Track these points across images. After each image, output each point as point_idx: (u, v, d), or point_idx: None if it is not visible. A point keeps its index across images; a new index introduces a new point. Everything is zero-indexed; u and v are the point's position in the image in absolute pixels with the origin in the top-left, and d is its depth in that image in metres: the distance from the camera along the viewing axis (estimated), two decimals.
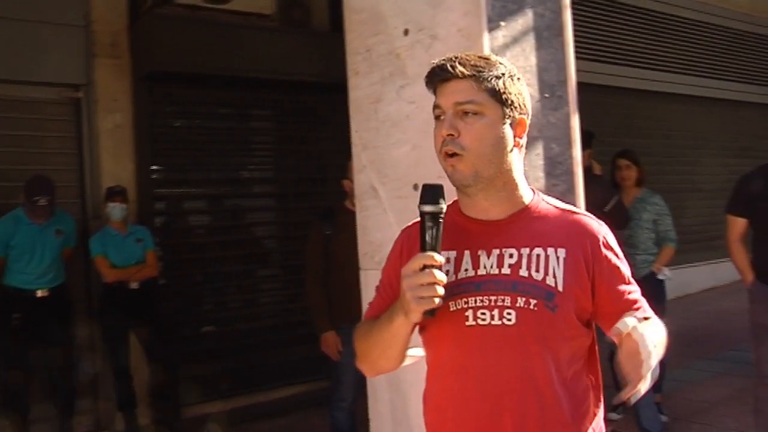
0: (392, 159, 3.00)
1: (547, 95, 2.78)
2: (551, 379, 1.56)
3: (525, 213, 1.66)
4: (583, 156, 4.60)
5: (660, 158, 9.66)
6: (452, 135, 1.58)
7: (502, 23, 2.67)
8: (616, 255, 1.67)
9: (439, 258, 1.52)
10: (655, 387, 4.79)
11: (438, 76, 1.61)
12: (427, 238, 1.54)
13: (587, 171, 4.56)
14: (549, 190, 2.72)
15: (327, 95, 7.15)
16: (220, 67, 6.30)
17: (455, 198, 1.71)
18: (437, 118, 1.63)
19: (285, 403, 6.43)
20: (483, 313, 1.58)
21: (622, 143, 6.96)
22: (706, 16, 10.62)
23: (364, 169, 3.15)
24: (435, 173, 2.78)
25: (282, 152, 7.07)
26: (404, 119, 2.93)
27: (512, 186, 1.65)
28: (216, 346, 6.46)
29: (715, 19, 10.76)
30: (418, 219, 1.67)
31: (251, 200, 7.03)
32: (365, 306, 3.19)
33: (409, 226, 1.76)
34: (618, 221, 4.52)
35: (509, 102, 1.60)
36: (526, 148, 2.77)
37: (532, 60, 2.75)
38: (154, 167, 6.34)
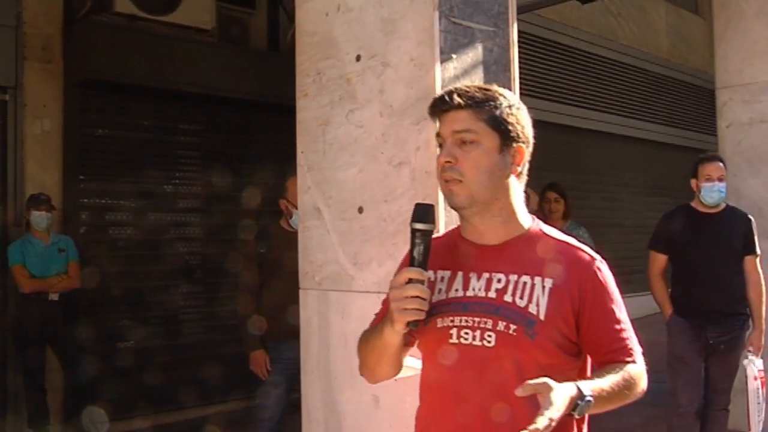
0: (338, 181, 3.03)
1: None
2: (524, 406, 1.57)
3: (519, 240, 1.72)
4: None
5: (582, 192, 9.98)
6: (450, 162, 1.65)
7: (454, 55, 2.74)
8: (607, 290, 1.69)
9: (425, 273, 1.60)
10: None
11: (439, 107, 1.69)
12: (415, 254, 1.63)
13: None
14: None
15: (261, 114, 7.16)
16: (156, 78, 6.23)
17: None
18: (439, 146, 1.71)
19: (204, 422, 6.32)
20: (466, 333, 1.65)
21: (548, 177, 7.18)
22: (628, 58, 11.08)
23: (309, 190, 3.16)
24: (380, 197, 2.87)
25: (212, 168, 7.00)
26: (352, 143, 2.96)
27: (508, 212, 1.71)
28: (134, 363, 6.30)
29: (636, 62, 11.24)
30: (438, 234, 1.79)
31: (178, 215, 6.92)
32: (303, 326, 3.22)
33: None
34: None
35: (506, 131, 1.67)
36: None
37: None
38: (82, 176, 6.17)
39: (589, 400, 1.51)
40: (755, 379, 4.26)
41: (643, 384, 1.68)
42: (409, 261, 1.63)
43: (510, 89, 2.96)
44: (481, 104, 1.66)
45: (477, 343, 1.63)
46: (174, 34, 6.47)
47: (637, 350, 1.69)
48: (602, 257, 1.75)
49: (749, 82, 5.82)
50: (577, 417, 1.53)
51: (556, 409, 1.45)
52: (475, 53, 2.83)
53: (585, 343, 1.67)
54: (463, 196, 1.65)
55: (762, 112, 5.74)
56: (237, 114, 7.07)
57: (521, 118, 1.71)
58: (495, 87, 1.74)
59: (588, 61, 10.37)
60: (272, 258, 4.37)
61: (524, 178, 1.75)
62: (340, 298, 3.01)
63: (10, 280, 5.56)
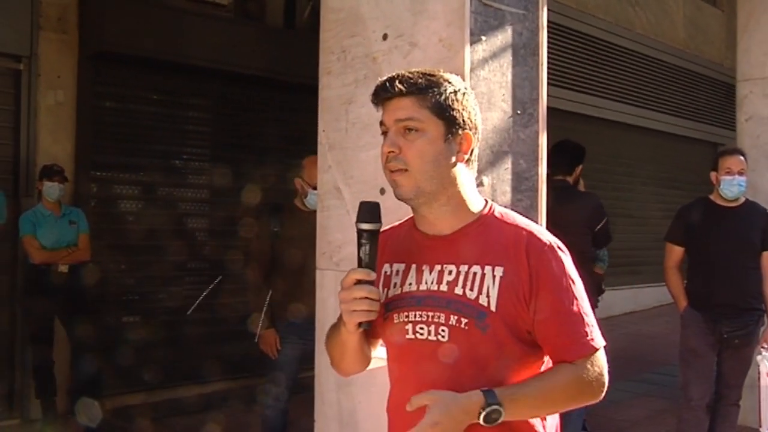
0: (359, 161, 3.00)
1: (519, 112, 2.83)
2: None
3: (471, 228, 1.66)
4: (576, 172, 4.69)
5: (592, 182, 9.92)
6: (394, 152, 1.60)
7: (483, 37, 2.70)
8: (560, 278, 1.59)
9: (372, 274, 1.58)
10: None
11: (381, 94, 1.63)
12: (362, 254, 1.61)
13: (575, 186, 4.64)
14: (514, 205, 2.77)
15: (275, 91, 7.12)
16: (171, 52, 6.18)
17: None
18: (383, 134, 1.65)
19: (210, 399, 6.33)
20: (421, 328, 1.63)
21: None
22: (644, 47, 10.99)
23: (330, 169, 3.12)
24: None
25: (224, 144, 6.96)
26: (375, 123, 2.87)
27: (457, 200, 1.65)
28: (142, 337, 6.29)
29: (652, 52, 11.14)
30: (396, 222, 1.75)
31: (188, 191, 6.89)
32: (319, 307, 3.20)
33: (385, 230, 1.75)
34: (603, 241, 4.64)
35: (452, 118, 1.61)
36: (497, 162, 2.85)
37: (508, 76, 2.80)
38: (93, 149, 6.14)
39: (495, 409, 1.48)
40: None
41: (596, 385, 1.59)
42: (357, 262, 1.61)
43: (538, 74, 2.93)
44: (425, 91, 1.59)
45: (432, 338, 1.61)
46: (190, 8, 6.42)
47: (593, 345, 1.59)
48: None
49: None
50: (485, 425, 1.49)
51: (433, 423, 1.47)
52: (504, 36, 2.79)
53: (536, 334, 1.59)
54: (408, 187, 1.60)
55: None
56: (250, 90, 7.02)
57: (468, 104, 1.64)
58: (440, 72, 1.66)
59: (603, 49, 10.29)
60: (285, 236, 4.34)
61: (474, 164, 1.69)
62: None
63: (21, 250, 5.54)
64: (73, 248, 5.50)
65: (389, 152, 1.61)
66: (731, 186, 4.26)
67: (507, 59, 2.78)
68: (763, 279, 4.34)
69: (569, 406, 1.62)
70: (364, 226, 1.60)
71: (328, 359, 3.09)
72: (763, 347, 4.32)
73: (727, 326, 4.27)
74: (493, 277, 1.58)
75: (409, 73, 1.63)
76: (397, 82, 1.60)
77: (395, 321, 1.66)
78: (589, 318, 1.61)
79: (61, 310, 5.50)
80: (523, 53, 2.85)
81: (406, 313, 1.65)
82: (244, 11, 6.97)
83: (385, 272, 1.71)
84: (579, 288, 1.62)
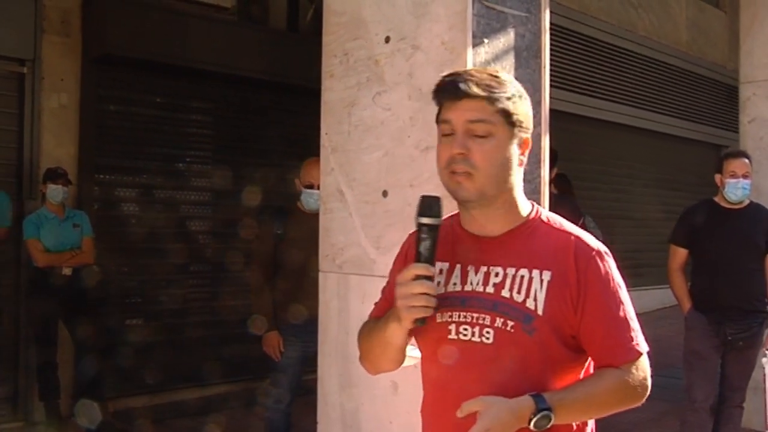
0: (362, 164, 3.00)
1: None
2: None
3: (519, 231, 1.65)
4: (551, 175, 4.68)
5: (593, 183, 9.92)
6: (463, 154, 1.57)
7: (486, 40, 2.70)
8: (607, 283, 1.61)
9: (432, 269, 1.56)
10: None
11: (449, 93, 1.59)
12: (422, 249, 1.57)
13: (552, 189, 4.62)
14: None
15: (279, 94, 7.13)
16: (174, 56, 6.18)
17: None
18: (445, 134, 1.61)
19: (212, 402, 6.33)
20: (465, 329, 1.60)
21: (560, 166, 7.12)
22: (646, 49, 10.97)
23: (332, 172, 3.13)
24: (406, 181, 2.84)
25: (226, 147, 6.96)
26: (378, 125, 2.93)
27: (510, 203, 1.65)
28: (144, 340, 6.30)
29: (654, 54, 11.12)
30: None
31: (191, 193, 6.88)
32: (322, 309, 3.20)
33: (413, 232, 1.74)
34: None
35: (518, 122, 1.60)
36: None
37: None
38: (97, 152, 6.15)
39: (546, 415, 1.48)
40: None
41: (640, 389, 1.59)
42: (416, 256, 1.57)
43: (540, 76, 2.94)
44: (497, 94, 1.57)
45: (476, 339, 1.59)
46: (193, 12, 6.43)
47: (638, 350, 1.60)
48: (608, 248, 1.68)
49: None
50: (534, 430, 1.49)
51: (483, 429, 1.46)
52: (507, 38, 2.80)
53: (582, 339, 1.59)
54: (472, 190, 1.57)
55: None
56: (253, 94, 7.03)
57: (527, 108, 1.65)
58: (502, 74, 1.66)
59: (606, 51, 10.27)
60: (287, 239, 4.35)
61: (524, 167, 1.68)
62: (361, 282, 2.99)
63: (24, 253, 5.55)
64: (76, 251, 5.51)
65: (458, 154, 1.57)
66: (736, 189, 4.26)
67: (509, 62, 2.79)
68: None
69: (614, 410, 1.61)
70: (425, 221, 1.56)
71: (330, 361, 3.12)
72: (767, 349, 4.33)
73: (731, 328, 4.26)
74: (541, 281, 1.58)
75: (477, 73, 1.61)
76: (471, 83, 1.56)
77: (437, 320, 1.62)
78: (634, 323, 1.62)
79: (65, 313, 5.50)
80: (525, 56, 2.86)
81: (449, 313, 1.62)
82: (247, 14, 6.97)
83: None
84: (624, 293, 1.63)
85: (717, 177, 4.35)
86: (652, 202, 11.25)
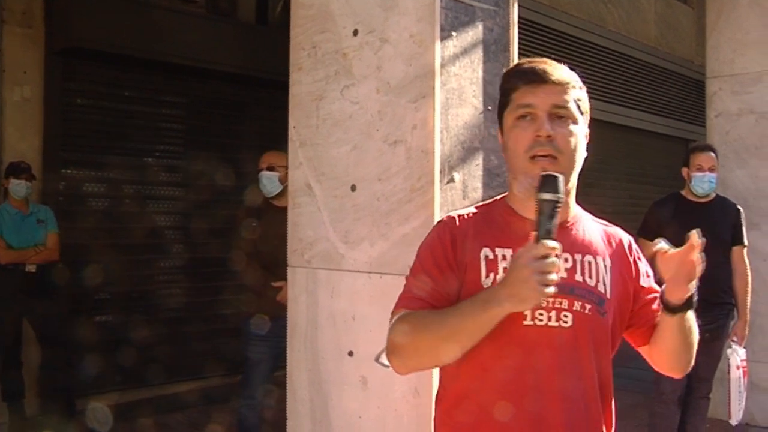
0: (331, 158, 2.98)
1: (490, 108, 2.82)
2: (594, 383, 1.63)
3: (573, 221, 1.71)
4: None
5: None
6: (551, 136, 1.57)
7: (454, 33, 2.69)
8: (647, 265, 1.78)
9: (559, 247, 1.46)
10: None
11: (534, 77, 1.61)
12: (549, 225, 1.47)
13: None
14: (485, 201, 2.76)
15: (248, 88, 7.07)
16: (140, 48, 6.09)
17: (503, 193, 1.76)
18: (522, 117, 1.61)
19: (184, 398, 6.27)
20: (541, 314, 1.58)
21: None
22: (615, 44, 11.04)
23: (300, 166, 3.10)
24: (374, 175, 2.82)
25: (196, 141, 6.89)
26: (347, 119, 2.91)
27: (572, 194, 1.69)
28: (113, 337, 6.22)
29: (624, 49, 11.20)
30: (461, 209, 1.73)
31: (160, 188, 6.81)
32: (291, 304, 3.17)
33: (452, 216, 1.71)
34: None
35: (586, 113, 1.68)
36: (468, 157, 2.85)
37: (479, 72, 2.79)
38: (62, 146, 6.04)
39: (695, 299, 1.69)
40: (738, 368, 4.29)
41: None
42: (538, 235, 1.46)
43: None
44: (575, 83, 1.65)
45: (553, 323, 1.58)
46: (160, 3, 6.34)
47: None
48: None
49: (740, 73, 5.82)
50: (689, 310, 1.69)
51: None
52: (475, 32, 2.78)
53: (638, 318, 1.73)
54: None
55: (751, 104, 5.75)
56: (223, 87, 6.96)
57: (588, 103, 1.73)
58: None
59: (575, 46, 10.32)
60: (261, 233, 4.32)
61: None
62: (330, 277, 2.97)
63: None
64: (41, 247, 5.41)
65: (546, 136, 1.57)
66: (702, 182, 4.30)
67: (478, 55, 2.78)
68: (733, 274, 4.39)
69: (692, 345, 1.86)
70: (547, 196, 1.47)
71: (299, 356, 3.10)
72: (733, 340, 4.38)
73: (698, 320, 4.29)
74: (605, 266, 1.67)
75: (556, 64, 1.67)
76: (557, 70, 1.63)
77: None
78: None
79: (30, 311, 5.41)
80: (494, 49, 2.85)
81: None
82: (215, 7, 6.89)
83: (487, 256, 1.61)
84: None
85: (684, 170, 4.39)
86: (623, 195, 11.35)
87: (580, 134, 1.64)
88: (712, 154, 4.35)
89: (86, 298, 6.26)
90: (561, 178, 1.50)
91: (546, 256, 1.43)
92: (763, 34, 5.72)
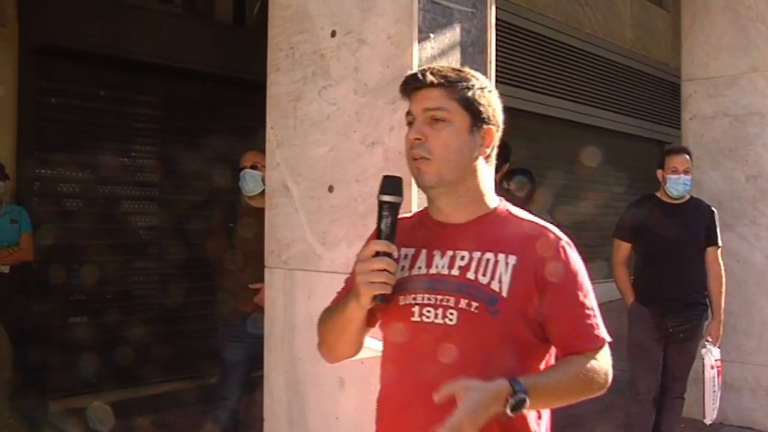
0: (308, 159, 2.97)
1: None
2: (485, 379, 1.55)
3: (485, 219, 1.70)
4: (503, 170, 4.69)
5: (540, 179, 10.00)
6: (420, 140, 1.63)
7: (431, 35, 2.69)
8: (572, 272, 1.64)
9: (392, 246, 1.58)
10: None
11: (411, 84, 1.67)
12: (382, 226, 1.60)
13: (500, 185, 4.62)
14: None
15: (225, 88, 7.03)
16: (116, 47, 6.05)
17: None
18: (409, 124, 1.68)
19: (159, 400, 6.22)
20: (428, 311, 1.62)
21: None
22: (592, 47, 11.14)
23: (278, 167, 3.09)
24: (351, 176, 2.81)
25: (171, 141, 6.84)
26: (324, 120, 2.90)
27: (475, 192, 1.69)
28: (88, 338, 6.15)
29: (600, 51, 11.30)
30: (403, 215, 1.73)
31: (134, 188, 6.74)
32: (268, 305, 3.16)
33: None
34: None
35: (478, 112, 1.66)
36: None
37: None
38: (36, 145, 5.97)
39: (522, 398, 1.48)
40: (712, 367, 4.33)
41: (603, 377, 1.63)
42: (376, 234, 1.60)
43: (486, 72, 2.94)
44: (454, 84, 1.64)
45: (439, 321, 1.61)
46: (137, 3, 6.29)
47: (601, 338, 1.64)
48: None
49: (714, 76, 5.88)
50: (511, 415, 1.49)
51: (467, 412, 1.44)
52: (452, 33, 2.79)
53: (547, 326, 1.62)
54: (431, 174, 1.62)
55: (725, 106, 5.81)
56: (199, 87, 6.91)
57: (492, 101, 1.70)
58: (467, 69, 1.73)
59: (552, 48, 10.39)
60: (238, 234, 4.30)
61: (493, 161, 1.73)
62: (307, 278, 2.97)
63: None
64: (14, 248, 5.35)
65: (415, 139, 1.63)
66: (677, 185, 4.34)
67: (455, 57, 2.78)
68: (708, 274, 4.44)
69: (581, 397, 1.64)
70: (386, 198, 1.60)
71: (276, 357, 3.09)
72: (707, 341, 4.43)
73: (672, 321, 4.34)
74: (506, 264, 1.61)
75: (440, 66, 1.69)
76: (429, 73, 1.64)
77: (401, 303, 1.65)
78: (597, 313, 1.66)
79: (3, 312, 5.34)
80: (471, 51, 2.86)
81: (413, 296, 1.64)
82: (192, 7, 6.86)
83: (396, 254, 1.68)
84: (588, 284, 1.67)
85: (659, 173, 4.43)
86: (598, 197, 11.44)
87: (460, 135, 1.64)
88: (687, 157, 4.39)
89: (61, 298, 6.18)
90: (401, 180, 1.61)
91: (376, 255, 1.55)
92: (736, 39, 5.79)
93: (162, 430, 5.69)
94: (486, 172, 1.71)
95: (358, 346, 1.78)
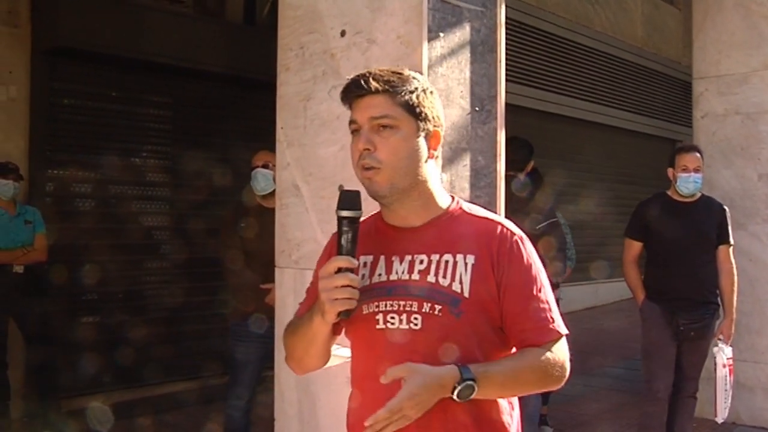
0: (318, 158, 2.98)
1: (477, 108, 2.83)
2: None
3: (440, 220, 1.69)
4: (527, 168, 4.66)
5: (549, 178, 9.95)
6: (368, 149, 1.60)
7: (441, 34, 2.70)
8: (526, 265, 1.65)
9: (354, 261, 1.56)
10: (543, 399, 4.96)
11: (353, 92, 1.63)
12: (343, 242, 1.59)
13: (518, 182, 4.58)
14: (472, 201, 2.77)
15: (235, 88, 7.06)
16: (127, 48, 6.08)
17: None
18: (353, 132, 1.65)
19: (171, 400, 6.25)
20: (392, 317, 1.63)
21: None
22: (602, 45, 11.11)
23: (288, 167, 3.10)
24: None
25: (183, 141, 6.86)
26: (334, 119, 2.91)
27: (427, 195, 1.68)
28: (100, 338, 6.19)
29: (611, 50, 11.27)
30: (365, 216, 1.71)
31: (146, 189, 6.78)
32: (278, 305, 3.17)
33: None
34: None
35: (423, 115, 1.63)
36: (455, 158, 2.85)
37: (467, 73, 2.80)
38: (49, 146, 6.01)
39: (470, 384, 1.50)
40: (724, 366, 4.31)
41: (560, 369, 1.63)
42: (337, 250, 1.59)
43: (496, 70, 2.94)
44: (398, 88, 1.61)
45: (404, 326, 1.61)
46: (148, 3, 6.32)
47: (556, 331, 1.64)
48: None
49: (725, 74, 5.85)
50: (458, 400, 1.51)
51: (410, 395, 1.47)
52: (462, 33, 2.79)
53: (504, 319, 1.63)
54: (382, 183, 1.60)
55: (737, 104, 5.78)
56: (210, 87, 6.94)
57: (435, 102, 1.68)
58: (407, 70, 1.69)
59: (562, 46, 10.37)
60: (250, 234, 4.31)
61: (439, 160, 1.73)
62: None
63: None
64: (28, 248, 5.40)
65: (364, 149, 1.60)
66: (687, 183, 4.32)
67: (465, 56, 2.79)
68: (719, 273, 4.42)
69: (535, 389, 1.66)
70: (345, 214, 1.59)
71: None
72: (719, 339, 4.41)
73: (683, 319, 4.33)
74: (465, 264, 1.61)
75: (379, 71, 1.64)
76: (370, 79, 1.60)
77: (364, 312, 1.64)
78: (554, 306, 1.66)
79: (17, 312, 5.38)
80: (481, 50, 2.86)
81: (376, 303, 1.64)
82: (203, 7, 6.89)
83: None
84: (544, 278, 1.68)
85: (669, 171, 4.42)
86: (609, 196, 11.40)
87: (408, 140, 1.62)
88: (698, 155, 4.38)
89: (74, 298, 6.23)
90: (360, 194, 1.59)
91: (339, 271, 1.54)
92: (748, 36, 5.75)
93: (178, 430, 5.71)
94: (435, 174, 1.70)
95: (327, 357, 1.78)
